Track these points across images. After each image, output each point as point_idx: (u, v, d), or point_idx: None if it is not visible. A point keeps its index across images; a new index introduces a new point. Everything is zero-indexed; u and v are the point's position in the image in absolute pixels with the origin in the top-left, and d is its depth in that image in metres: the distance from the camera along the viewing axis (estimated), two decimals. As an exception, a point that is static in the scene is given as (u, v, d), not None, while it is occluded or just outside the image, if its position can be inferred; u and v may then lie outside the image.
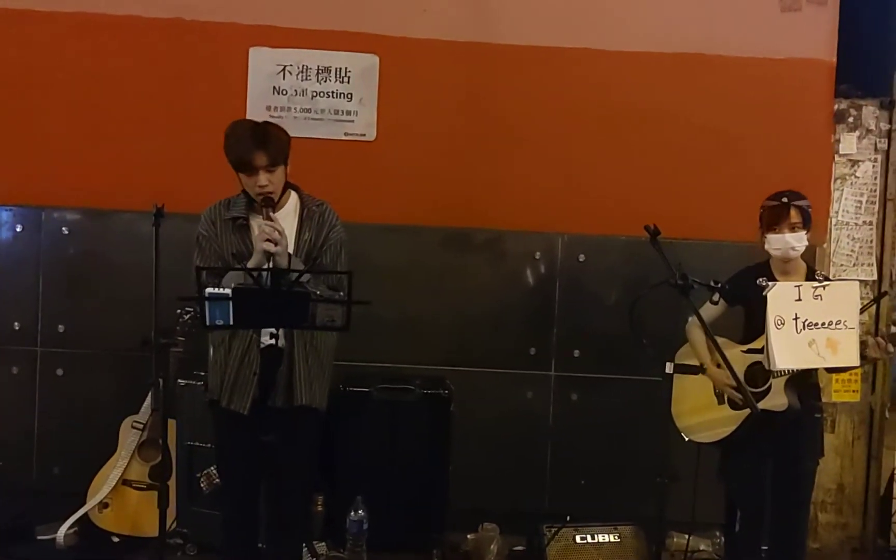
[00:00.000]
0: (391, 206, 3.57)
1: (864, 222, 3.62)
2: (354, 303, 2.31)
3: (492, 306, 3.58)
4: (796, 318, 2.44)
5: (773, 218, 2.72)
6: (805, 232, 2.72)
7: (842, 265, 3.62)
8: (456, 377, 3.45)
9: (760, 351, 2.62)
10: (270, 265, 2.34)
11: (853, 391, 3.54)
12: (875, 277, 3.60)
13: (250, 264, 2.42)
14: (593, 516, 3.24)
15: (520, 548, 3.29)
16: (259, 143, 2.44)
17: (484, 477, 3.43)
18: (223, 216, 2.54)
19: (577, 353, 3.57)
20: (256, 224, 2.49)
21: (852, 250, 3.62)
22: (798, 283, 2.54)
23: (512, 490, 3.48)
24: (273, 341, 2.48)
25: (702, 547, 3.37)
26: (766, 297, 2.47)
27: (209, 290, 2.21)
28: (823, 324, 2.46)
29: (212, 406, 2.57)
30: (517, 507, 3.40)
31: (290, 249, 2.49)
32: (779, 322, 2.45)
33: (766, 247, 2.75)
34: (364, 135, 3.61)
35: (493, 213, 3.57)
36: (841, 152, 3.61)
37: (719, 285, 2.63)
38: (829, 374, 3.44)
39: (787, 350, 2.44)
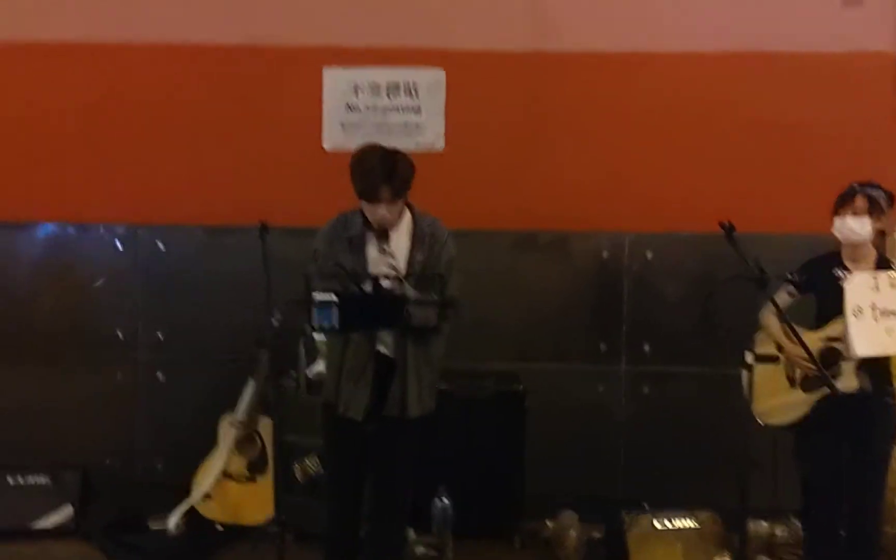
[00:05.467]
0: (461, 212, 3.65)
1: (932, 212, 3.63)
2: (447, 305, 2.48)
3: (561, 305, 3.72)
4: (874, 307, 2.50)
5: (840, 202, 2.80)
6: (869, 218, 2.75)
7: (908, 256, 3.63)
8: (528, 373, 3.58)
9: (837, 339, 2.68)
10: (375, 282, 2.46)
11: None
12: (945, 265, 3.60)
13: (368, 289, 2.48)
14: (669, 505, 3.32)
15: (598, 535, 3.40)
16: (386, 177, 2.49)
17: (559, 469, 3.56)
18: (340, 235, 2.61)
19: (647, 347, 3.67)
20: (372, 245, 2.57)
21: (919, 240, 3.63)
22: (875, 273, 2.61)
23: (586, 482, 3.59)
24: (385, 350, 2.59)
25: (778, 532, 3.42)
26: (843, 287, 2.54)
27: (316, 295, 2.40)
28: (901, 312, 2.52)
29: (325, 409, 2.67)
30: (595, 496, 3.50)
31: (402, 267, 2.55)
32: (857, 311, 2.52)
33: (832, 230, 2.83)
34: (433, 145, 3.79)
35: (560, 214, 3.71)
36: (906, 142, 3.63)
37: (795, 278, 2.70)
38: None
39: (866, 338, 2.51)
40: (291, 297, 2.56)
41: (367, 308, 2.51)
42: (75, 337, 3.79)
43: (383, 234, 2.53)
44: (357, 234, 2.61)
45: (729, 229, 2.68)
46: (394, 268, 2.49)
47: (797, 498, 3.07)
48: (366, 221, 2.60)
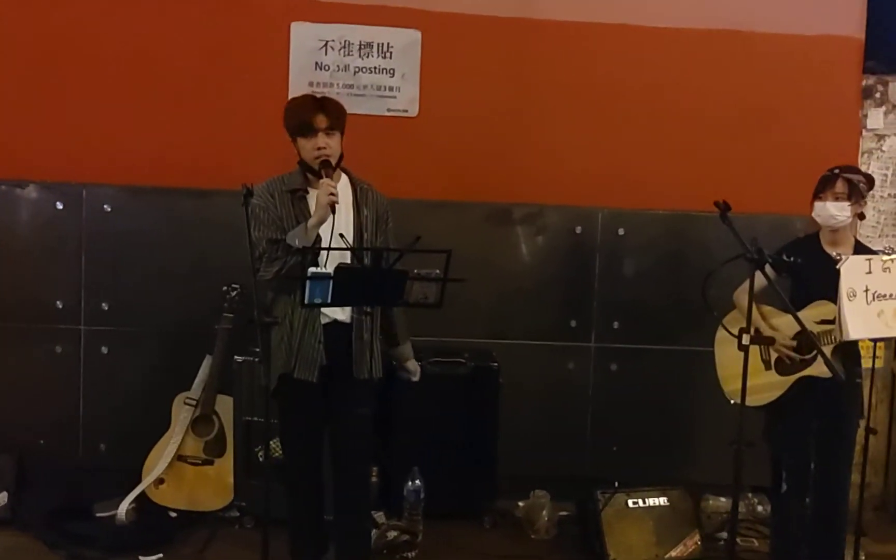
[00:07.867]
0: (434, 182, 3.59)
1: (890, 195, 3.77)
2: (450, 280, 2.39)
3: (533, 280, 3.65)
4: (867, 290, 2.54)
5: (821, 186, 2.82)
6: (849, 203, 2.79)
7: (867, 236, 3.73)
8: (499, 349, 3.52)
9: (828, 321, 2.70)
10: (334, 222, 2.42)
11: (878, 357, 3.68)
12: (899, 248, 3.76)
13: (312, 222, 2.46)
14: (632, 481, 3.34)
15: (567, 513, 3.39)
16: (319, 106, 2.58)
17: (530, 446, 3.52)
18: (280, 189, 2.59)
19: (616, 324, 3.66)
20: (313, 198, 2.54)
21: (878, 222, 3.76)
22: (869, 257, 2.65)
23: (556, 458, 3.57)
24: (341, 316, 2.56)
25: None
26: (839, 270, 2.54)
27: (312, 269, 2.26)
28: (891, 295, 2.57)
29: (280, 382, 2.58)
30: (562, 474, 3.50)
31: (352, 227, 2.58)
32: (851, 294, 2.54)
33: (813, 214, 2.85)
34: (407, 111, 3.62)
35: (534, 188, 3.62)
36: (868, 127, 3.74)
37: (792, 260, 2.71)
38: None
39: (860, 321, 2.53)
40: (288, 271, 2.40)
41: (366, 283, 2.37)
42: (8, 306, 3.45)
43: (326, 163, 2.51)
44: (299, 186, 2.58)
45: (724, 208, 2.66)
46: (336, 196, 2.44)
47: (751, 474, 3.08)
48: (305, 177, 2.59)
